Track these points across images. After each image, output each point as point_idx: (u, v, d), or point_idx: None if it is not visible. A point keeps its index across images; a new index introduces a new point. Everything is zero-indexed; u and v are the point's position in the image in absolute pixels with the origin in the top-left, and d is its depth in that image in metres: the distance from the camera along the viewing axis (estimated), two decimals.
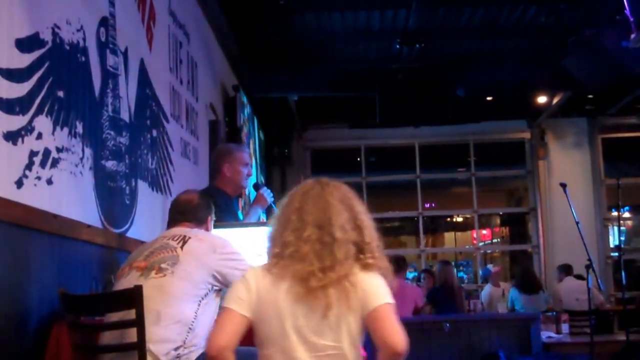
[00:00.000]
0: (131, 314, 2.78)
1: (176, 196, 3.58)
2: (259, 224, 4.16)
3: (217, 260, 3.05)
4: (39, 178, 3.34)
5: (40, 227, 3.35)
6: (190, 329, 2.91)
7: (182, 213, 3.38)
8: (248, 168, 4.60)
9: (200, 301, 2.98)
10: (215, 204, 4.19)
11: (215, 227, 3.73)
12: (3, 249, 3.02)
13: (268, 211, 4.65)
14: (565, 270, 8.74)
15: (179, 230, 3.25)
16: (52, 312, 3.25)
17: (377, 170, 12.00)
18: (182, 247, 3.07)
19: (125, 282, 3.07)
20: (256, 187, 4.76)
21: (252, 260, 3.63)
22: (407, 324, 7.24)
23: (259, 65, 8.71)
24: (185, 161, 6.09)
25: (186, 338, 2.89)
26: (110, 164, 4.28)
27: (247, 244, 3.77)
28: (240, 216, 4.43)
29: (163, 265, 3.02)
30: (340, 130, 11.55)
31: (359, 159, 11.80)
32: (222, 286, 3.05)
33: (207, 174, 6.96)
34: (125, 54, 4.57)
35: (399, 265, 7.85)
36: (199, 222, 3.37)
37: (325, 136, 11.42)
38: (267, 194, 4.58)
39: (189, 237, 3.13)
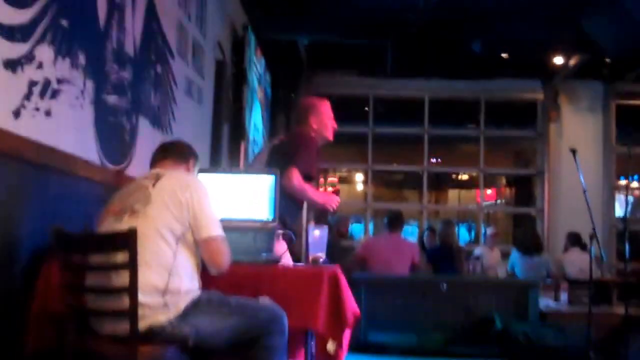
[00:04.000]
0: (118, 257, 2.70)
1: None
2: (257, 172, 4.05)
3: (189, 198, 2.90)
4: (37, 109, 3.23)
5: (37, 160, 3.26)
6: (171, 272, 2.80)
7: (166, 150, 3.27)
8: (332, 120, 4.66)
9: (177, 241, 2.86)
10: (309, 146, 4.41)
11: (211, 171, 3.68)
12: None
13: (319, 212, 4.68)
14: (574, 240, 8.58)
15: (155, 170, 3.15)
16: (44, 249, 3.16)
17: (385, 121, 11.84)
18: (153, 185, 2.95)
19: (102, 228, 2.98)
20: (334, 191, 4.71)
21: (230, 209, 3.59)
22: (404, 280, 7.26)
23: (270, 5, 8.50)
24: (189, 100, 5.97)
25: (169, 283, 2.79)
26: (111, 99, 4.17)
27: (234, 191, 3.68)
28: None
29: (136, 207, 2.90)
30: (349, 78, 11.37)
31: (366, 109, 11.65)
32: (189, 229, 2.90)
33: (211, 114, 6.87)
34: None
35: (397, 219, 7.79)
36: (180, 159, 3.22)
37: (333, 83, 11.21)
38: (334, 201, 4.49)
39: (164, 176, 3.01)
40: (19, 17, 3.03)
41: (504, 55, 10.09)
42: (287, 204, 4.23)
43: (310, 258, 3.42)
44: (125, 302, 2.64)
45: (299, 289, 3.17)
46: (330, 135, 4.68)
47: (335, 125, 4.71)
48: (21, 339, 3.02)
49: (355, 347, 4.90)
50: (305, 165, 4.32)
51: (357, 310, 3.29)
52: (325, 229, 3.63)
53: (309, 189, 4.34)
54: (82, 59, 3.69)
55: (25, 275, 3.14)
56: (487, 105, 11.65)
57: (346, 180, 16.68)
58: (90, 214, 3.35)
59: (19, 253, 3.15)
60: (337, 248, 7.63)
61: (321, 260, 3.39)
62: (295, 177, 4.21)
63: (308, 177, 4.34)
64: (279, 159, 4.42)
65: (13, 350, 3.01)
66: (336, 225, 8.99)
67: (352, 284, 4.67)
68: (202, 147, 6.62)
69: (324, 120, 4.63)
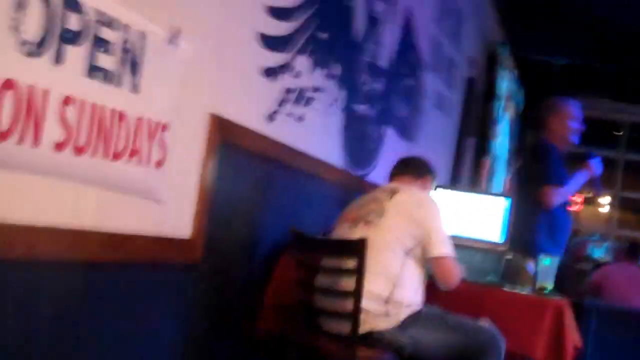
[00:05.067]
0: (348, 263, 2.84)
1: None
2: (493, 193, 4.06)
3: (423, 216, 3.00)
4: (290, 115, 3.47)
5: (285, 161, 3.50)
6: (396, 284, 2.91)
7: (404, 165, 3.39)
8: (577, 122, 4.45)
9: (406, 255, 2.96)
10: (546, 154, 4.26)
11: (447, 188, 3.74)
12: (248, 177, 3.20)
13: (591, 183, 4.50)
14: None
15: (392, 184, 3.27)
16: (283, 243, 3.40)
17: (636, 147, 11.22)
18: (389, 199, 3.07)
19: (336, 234, 3.16)
20: (587, 155, 4.54)
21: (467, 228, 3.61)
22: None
23: (528, 24, 8.36)
24: (436, 112, 6.08)
25: (393, 293, 2.90)
26: (361, 108, 4.36)
27: (468, 210, 3.72)
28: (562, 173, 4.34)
29: (369, 218, 3.03)
30: (602, 101, 10.91)
31: (618, 133, 11.13)
32: (420, 245, 2.99)
33: (457, 127, 6.93)
34: (392, 1, 4.59)
35: (638, 249, 7.42)
36: (418, 176, 3.32)
37: (585, 105, 10.79)
38: (597, 164, 4.41)
39: (400, 191, 3.12)
40: (282, 29, 3.28)
41: None
42: (526, 229, 4.22)
43: (537, 286, 3.39)
44: (349, 305, 2.79)
45: (521, 315, 3.16)
46: (573, 138, 4.45)
47: (581, 127, 4.47)
48: (254, 324, 3.29)
49: None
50: (554, 176, 4.23)
51: (579, 343, 3.22)
52: (556, 259, 3.58)
53: (567, 191, 4.26)
54: (337, 70, 3.91)
55: (265, 264, 3.40)
56: None
57: (590, 202, 15.95)
58: (330, 215, 3.56)
59: (262, 243, 3.41)
60: (572, 271, 7.38)
61: (549, 290, 3.35)
62: (548, 195, 4.16)
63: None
64: (523, 181, 4.41)
65: (246, 332, 3.28)
66: (573, 248, 8.68)
67: (583, 311, 4.55)
68: (445, 159, 6.71)
69: (564, 121, 4.43)
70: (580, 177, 4.34)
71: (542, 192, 4.16)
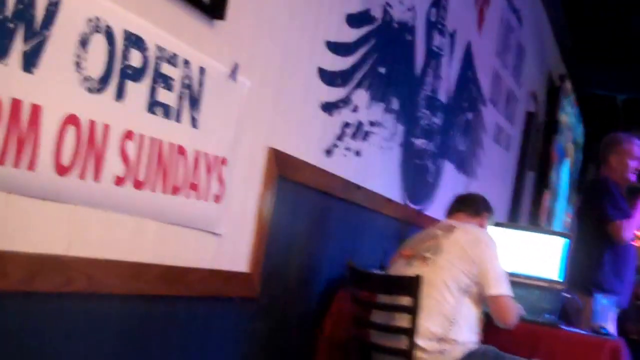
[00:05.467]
0: (402, 300, 2.82)
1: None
2: (551, 232, 4.00)
3: (480, 254, 2.97)
4: (348, 149, 3.48)
5: (343, 196, 3.50)
6: (452, 322, 2.88)
7: (461, 202, 3.38)
8: (637, 161, 4.43)
9: (462, 293, 2.93)
10: (607, 189, 4.25)
11: (505, 226, 3.71)
12: (306, 211, 3.21)
13: None
14: None
15: (450, 221, 3.25)
16: (340, 279, 3.39)
17: None
18: (446, 237, 3.05)
19: (392, 270, 3.14)
20: (636, 190, 4.54)
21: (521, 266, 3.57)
22: None
23: (591, 58, 8.28)
24: (496, 146, 6.03)
25: (448, 332, 2.87)
26: (419, 142, 4.35)
27: (526, 248, 3.68)
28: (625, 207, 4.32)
29: (426, 254, 3.02)
30: None
31: None
32: (476, 283, 2.96)
33: (517, 161, 6.86)
34: (452, 36, 4.58)
35: None
36: (474, 213, 3.30)
37: None
38: None
39: (456, 228, 3.10)
40: (341, 63, 3.30)
41: None
42: (589, 266, 4.16)
43: (594, 326, 3.32)
44: (403, 342, 2.77)
45: (577, 356, 3.10)
46: (630, 176, 4.42)
47: (639, 167, 4.43)
48: (311, 359, 3.28)
49: None
50: (620, 211, 4.17)
51: None
52: (613, 298, 3.51)
53: (634, 221, 4.22)
54: (395, 104, 3.91)
55: (322, 298, 3.40)
56: None
57: None
58: (388, 249, 3.55)
59: (320, 277, 3.41)
60: (633, 309, 7.19)
61: (605, 329, 3.27)
62: (620, 229, 4.13)
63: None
64: (585, 218, 4.37)
65: None
66: (635, 284, 8.45)
67: None
68: (504, 194, 6.64)
69: (624, 159, 4.40)
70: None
71: (612, 227, 4.12)
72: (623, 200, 4.28)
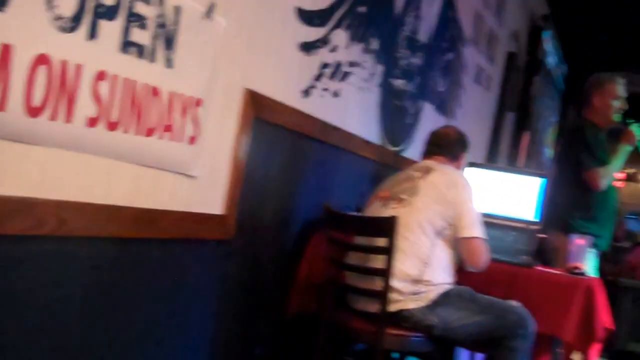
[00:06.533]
0: (378, 242, 2.83)
1: (435, 129, 3.50)
2: (527, 172, 3.99)
3: (456, 196, 2.97)
4: (326, 90, 3.45)
5: (320, 137, 3.48)
6: (426, 263, 2.90)
7: (437, 145, 3.32)
8: (620, 101, 4.36)
9: (436, 235, 2.94)
10: (584, 137, 4.20)
11: (482, 166, 3.72)
12: (282, 153, 3.19)
13: (636, 150, 4.43)
14: None
15: (427, 162, 3.22)
16: (316, 220, 3.40)
17: None
18: (423, 178, 3.05)
19: (368, 212, 3.14)
20: (623, 123, 4.46)
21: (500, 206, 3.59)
22: None
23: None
24: (476, 86, 6.01)
25: (423, 273, 2.89)
26: (399, 83, 4.32)
27: (503, 189, 3.69)
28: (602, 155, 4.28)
29: (402, 196, 3.02)
30: None
31: None
32: (451, 226, 2.97)
33: (497, 101, 6.85)
34: None
35: None
36: (452, 156, 3.28)
37: (631, 82, 10.63)
38: (637, 131, 4.31)
39: (433, 170, 3.10)
40: (319, 2, 3.24)
41: None
42: (566, 209, 4.19)
43: (569, 266, 3.35)
44: (379, 284, 2.78)
45: (552, 295, 3.12)
46: (613, 117, 4.34)
47: (624, 106, 4.36)
48: (285, 301, 3.30)
49: (612, 356, 4.71)
50: (596, 159, 4.17)
51: (611, 325, 3.19)
52: (590, 238, 3.53)
53: (612, 168, 4.21)
54: (375, 44, 3.87)
55: (298, 240, 3.40)
56: None
57: (632, 179, 15.72)
58: (365, 191, 3.55)
59: (296, 219, 3.41)
60: (610, 250, 7.31)
61: (580, 270, 3.31)
62: (594, 179, 4.15)
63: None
64: (565, 162, 4.37)
65: (277, 310, 3.30)
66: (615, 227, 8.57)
67: (619, 290, 4.50)
68: (483, 134, 6.65)
69: (606, 100, 4.32)
70: (623, 152, 4.26)
71: (588, 175, 4.13)
72: (602, 145, 4.26)
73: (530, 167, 8.37)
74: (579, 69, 10.26)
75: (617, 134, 4.34)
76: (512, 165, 7.61)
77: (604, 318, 3.12)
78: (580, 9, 8.38)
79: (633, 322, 6.24)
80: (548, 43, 7.88)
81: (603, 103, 4.33)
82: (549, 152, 9.87)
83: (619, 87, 4.34)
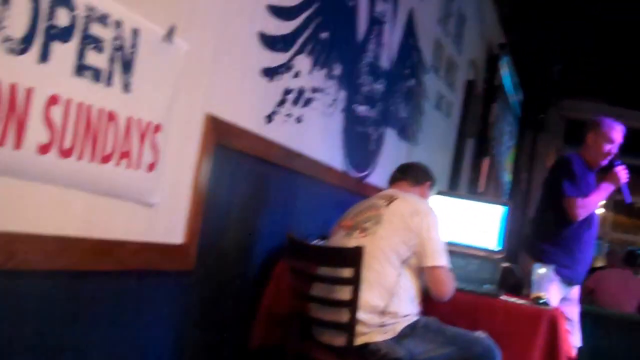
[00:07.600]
0: (344, 272, 2.75)
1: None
2: (489, 200, 3.97)
3: (419, 224, 2.90)
4: (289, 115, 3.38)
5: (283, 164, 3.41)
6: (392, 294, 2.82)
7: (402, 172, 3.30)
8: (612, 146, 4.37)
9: (402, 264, 2.87)
10: (571, 167, 4.24)
11: (444, 194, 3.69)
12: (245, 180, 3.11)
13: (618, 192, 4.44)
14: None
15: (391, 190, 3.17)
16: (280, 249, 3.30)
17: (632, 153, 11.14)
18: (387, 206, 2.99)
19: (332, 241, 3.07)
20: (610, 163, 4.46)
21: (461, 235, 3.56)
22: (632, 319, 6.70)
23: (528, 28, 8.29)
24: (437, 113, 6.00)
25: (389, 304, 2.81)
26: (361, 109, 4.27)
27: (466, 217, 3.66)
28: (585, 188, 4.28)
29: (366, 225, 2.95)
30: (599, 105, 10.86)
31: None
32: (415, 254, 2.91)
33: (458, 127, 6.86)
34: (395, 2, 4.49)
35: (635, 258, 7.43)
36: (415, 181, 3.23)
37: (582, 109, 10.81)
38: (622, 173, 4.33)
39: (397, 198, 3.04)
40: (283, 28, 3.19)
41: None
42: (539, 238, 4.20)
43: (532, 296, 3.32)
44: (345, 316, 2.70)
45: (517, 326, 3.10)
46: (600, 160, 4.37)
47: (613, 152, 4.38)
48: (248, 333, 3.19)
49: None
50: (575, 189, 4.19)
51: (573, 354, 3.17)
52: (551, 267, 3.50)
53: (591, 201, 4.23)
54: (337, 70, 3.82)
55: (261, 270, 3.31)
56: None
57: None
58: (329, 218, 3.47)
59: (259, 248, 3.32)
60: None
61: (544, 300, 3.27)
62: (572, 207, 4.16)
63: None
64: (546, 189, 4.40)
65: (240, 342, 3.19)
66: None
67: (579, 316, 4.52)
68: (445, 160, 6.63)
69: (599, 142, 4.36)
70: (605, 188, 4.31)
71: (566, 203, 4.18)
72: (586, 179, 4.29)
73: (490, 192, 8.40)
74: (535, 95, 10.42)
75: (606, 172, 4.39)
76: (472, 190, 7.62)
77: (567, 348, 3.10)
78: (535, 39, 8.50)
79: (592, 347, 6.23)
80: (505, 70, 7.93)
81: (595, 142, 4.38)
82: (507, 176, 9.93)
83: (613, 132, 4.37)
